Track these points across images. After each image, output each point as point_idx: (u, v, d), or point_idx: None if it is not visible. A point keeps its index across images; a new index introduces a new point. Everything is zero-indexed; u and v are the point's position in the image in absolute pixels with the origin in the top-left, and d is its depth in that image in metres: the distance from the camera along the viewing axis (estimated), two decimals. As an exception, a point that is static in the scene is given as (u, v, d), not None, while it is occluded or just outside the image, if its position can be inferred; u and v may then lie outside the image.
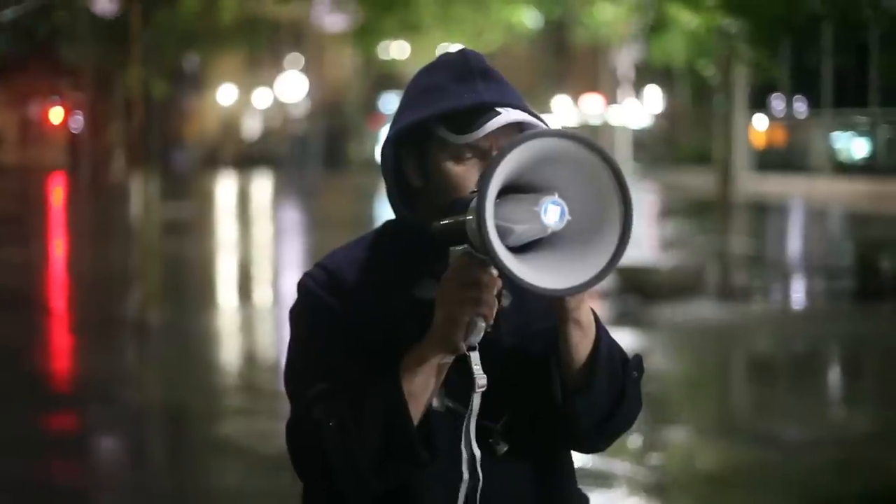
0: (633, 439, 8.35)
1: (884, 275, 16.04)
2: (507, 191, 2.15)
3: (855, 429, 9.11)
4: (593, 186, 2.19)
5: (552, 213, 2.15)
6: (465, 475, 2.35)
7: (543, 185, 2.19)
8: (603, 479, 7.46)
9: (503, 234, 2.11)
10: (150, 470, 8.37)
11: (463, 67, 2.42)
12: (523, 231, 2.16)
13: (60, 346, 13.44)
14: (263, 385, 10.74)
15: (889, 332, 13.88)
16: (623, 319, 13.09)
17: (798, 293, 17.03)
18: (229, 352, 12.85)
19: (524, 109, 2.38)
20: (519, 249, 2.17)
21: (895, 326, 14.14)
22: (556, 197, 2.16)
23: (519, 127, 2.38)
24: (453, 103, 2.36)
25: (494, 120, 2.34)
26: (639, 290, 14.61)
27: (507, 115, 2.35)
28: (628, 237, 2.18)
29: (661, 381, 10.29)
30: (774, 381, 11.27)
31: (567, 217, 2.16)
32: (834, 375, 11.84)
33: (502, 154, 2.10)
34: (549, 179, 2.19)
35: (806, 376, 11.37)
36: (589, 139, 2.16)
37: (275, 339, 12.91)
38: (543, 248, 2.20)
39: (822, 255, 21.58)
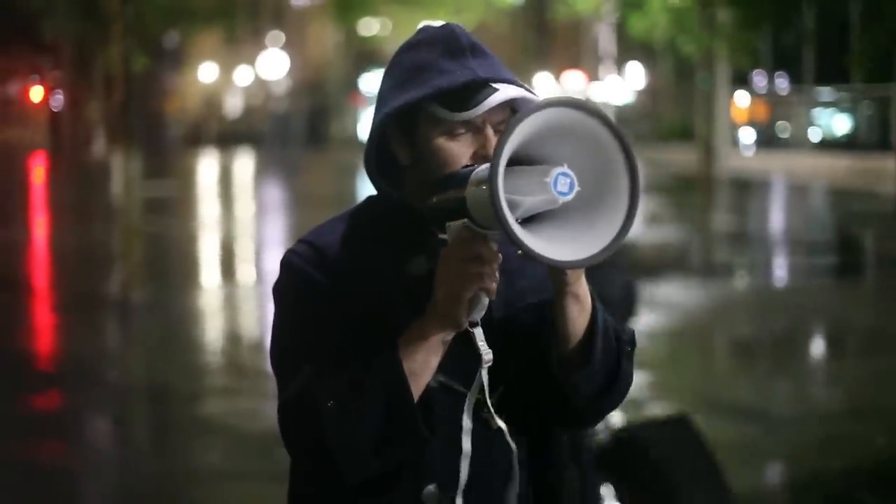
0: (618, 417, 8.35)
1: (866, 250, 16.10)
2: (510, 164, 2.11)
3: (838, 404, 9.13)
4: (599, 157, 2.17)
5: (562, 185, 2.12)
6: (467, 447, 2.34)
7: (546, 158, 2.17)
8: (587, 456, 7.46)
9: (512, 206, 2.08)
10: (133, 449, 8.36)
11: (452, 43, 2.40)
12: (533, 203, 2.13)
13: (43, 326, 13.40)
14: (247, 364, 10.73)
15: (871, 307, 13.93)
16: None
17: (780, 269, 17.07)
18: (213, 330, 12.83)
19: (516, 84, 2.37)
20: (524, 222, 2.14)
21: (877, 302, 14.19)
22: (565, 168, 2.13)
23: (511, 103, 2.37)
24: (449, 81, 2.33)
25: (493, 96, 2.32)
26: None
27: (505, 92, 2.33)
28: (636, 208, 2.17)
29: (643, 359, 10.30)
30: (757, 358, 11.29)
31: (577, 188, 2.14)
32: (817, 351, 11.88)
33: (514, 124, 2.08)
34: (552, 152, 2.17)
35: (789, 353, 11.40)
36: (597, 108, 2.14)
37: (258, 318, 12.89)
38: (549, 220, 2.18)
39: (805, 231, 21.63)
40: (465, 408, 2.32)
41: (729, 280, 15.10)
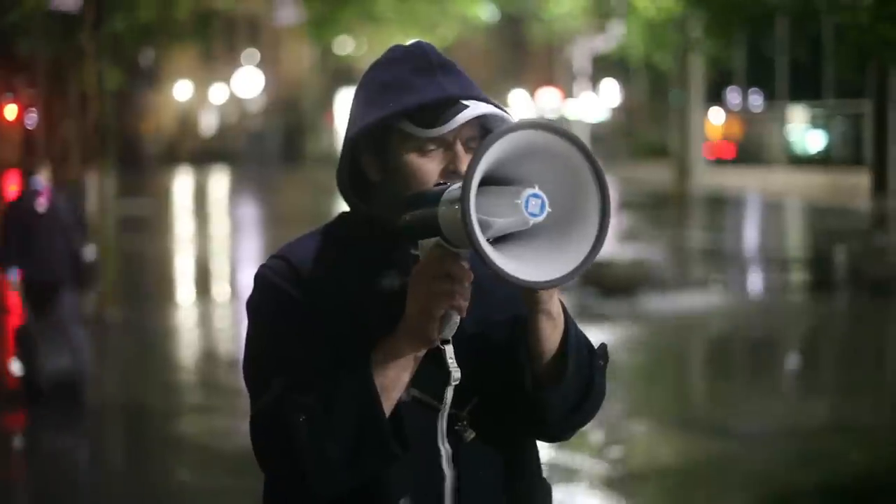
0: (594, 433, 8.37)
1: (839, 266, 16.16)
2: (482, 184, 2.12)
3: (813, 420, 9.15)
4: (570, 179, 2.18)
5: (533, 206, 2.13)
6: (448, 472, 2.35)
7: (519, 178, 2.18)
8: (564, 473, 7.47)
9: (483, 227, 2.09)
10: (107, 468, 8.32)
11: (422, 60, 2.41)
12: (504, 224, 2.14)
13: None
14: (222, 382, 10.70)
15: (845, 322, 13.98)
16: (581, 313, 13.11)
17: (755, 285, 17.12)
18: (187, 348, 12.79)
19: (486, 101, 2.37)
20: (495, 241, 2.15)
21: (851, 317, 14.24)
22: (536, 189, 2.14)
23: (481, 119, 2.38)
24: (419, 98, 2.34)
25: (464, 113, 2.33)
26: (597, 284, 14.64)
27: (476, 108, 2.34)
28: (606, 229, 2.18)
29: (619, 375, 10.31)
30: (732, 374, 11.32)
31: (548, 209, 2.14)
32: (791, 367, 11.90)
33: (486, 146, 2.08)
34: (524, 172, 2.17)
35: (764, 368, 11.43)
36: (568, 131, 2.15)
37: (233, 335, 12.86)
38: (520, 240, 2.19)
39: (778, 247, 21.70)
40: (439, 431, 2.34)
41: (704, 296, 15.13)
